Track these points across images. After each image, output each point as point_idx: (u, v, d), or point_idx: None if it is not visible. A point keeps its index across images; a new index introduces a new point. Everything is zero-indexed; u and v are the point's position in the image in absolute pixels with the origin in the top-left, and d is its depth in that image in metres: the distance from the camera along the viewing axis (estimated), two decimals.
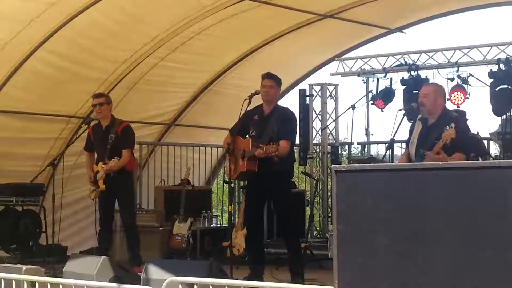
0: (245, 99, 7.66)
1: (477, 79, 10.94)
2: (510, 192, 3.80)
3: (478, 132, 9.06)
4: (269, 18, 10.80)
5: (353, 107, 11.15)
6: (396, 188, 4.15)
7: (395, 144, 8.27)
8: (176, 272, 5.96)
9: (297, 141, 10.01)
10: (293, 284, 6.74)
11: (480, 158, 7.77)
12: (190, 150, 12.52)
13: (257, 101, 7.93)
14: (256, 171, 7.68)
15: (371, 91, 12.14)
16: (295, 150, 8.89)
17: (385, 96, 11.69)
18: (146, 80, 11.27)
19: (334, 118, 12.28)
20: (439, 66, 11.48)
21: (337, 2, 10.78)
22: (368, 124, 12.69)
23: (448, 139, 6.38)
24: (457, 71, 11.12)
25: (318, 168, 12.24)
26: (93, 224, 9.49)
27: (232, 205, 8.06)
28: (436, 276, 3.95)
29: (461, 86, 10.85)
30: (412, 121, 7.32)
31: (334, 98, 12.31)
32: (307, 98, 12.06)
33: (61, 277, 6.85)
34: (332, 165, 4.92)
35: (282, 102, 8.64)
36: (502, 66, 10.51)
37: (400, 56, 11.88)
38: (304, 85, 12.64)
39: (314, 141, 12.35)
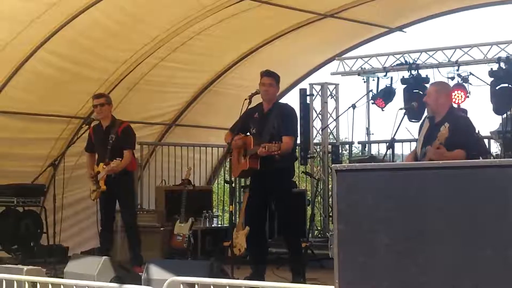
0: (245, 99, 7.66)
1: (478, 78, 10.95)
2: (511, 191, 3.80)
3: (478, 131, 9.06)
4: (269, 18, 10.80)
5: (353, 106, 11.16)
6: (396, 187, 4.15)
7: (395, 143, 8.27)
8: (177, 272, 5.96)
9: (298, 141, 10.00)
10: (294, 283, 6.74)
11: (480, 157, 7.77)
12: (191, 150, 12.51)
13: (257, 100, 7.94)
14: (258, 169, 7.69)
15: (371, 91, 12.14)
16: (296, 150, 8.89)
17: (386, 95, 11.68)
18: (146, 80, 11.27)
19: (335, 118, 12.28)
20: (439, 65, 11.48)
21: (337, 2, 10.77)
22: (368, 124, 12.69)
23: (442, 139, 6.37)
24: (458, 70, 11.12)
25: (318, 167, 12.24)
26: (93, 225, 9.47)
27: (233, 205, 8.06)
28: (436, 275, 3.95)
29: (461, 85, 10.85)
30: (421, 120, 7.34)
31: (334, 97, 12.32)
32: (308, 97, 12.05)
33: (62, 278, 6.87)
34: (333, 165, 4.94)
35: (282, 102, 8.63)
36: (502, 64, 10.51)
37: (401, 55, 11.87)
38: (304, 84, 12.66)
39: (315, 141, 12.35)
